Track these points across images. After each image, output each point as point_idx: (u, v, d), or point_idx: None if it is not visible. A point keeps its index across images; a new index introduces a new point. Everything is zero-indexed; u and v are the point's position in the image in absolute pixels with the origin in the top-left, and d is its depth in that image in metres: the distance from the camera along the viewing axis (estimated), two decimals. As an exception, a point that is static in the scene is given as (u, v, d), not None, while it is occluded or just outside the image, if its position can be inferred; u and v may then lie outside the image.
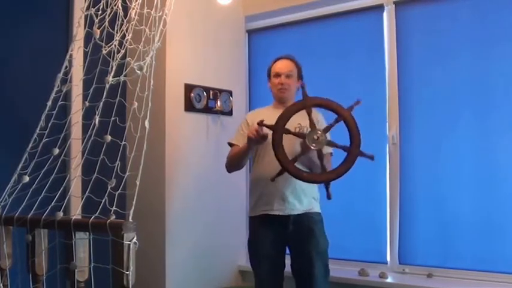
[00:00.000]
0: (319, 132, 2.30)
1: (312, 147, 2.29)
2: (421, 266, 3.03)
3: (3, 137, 2.61)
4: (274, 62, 2.75)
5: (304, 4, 3.44)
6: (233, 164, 2.73)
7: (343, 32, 3.44)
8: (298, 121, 2.49)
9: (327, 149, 2.51)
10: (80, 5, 2.52)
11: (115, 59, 1.90)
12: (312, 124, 2.32)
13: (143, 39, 1.93)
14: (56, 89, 1.99)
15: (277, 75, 2.70)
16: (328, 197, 2.38)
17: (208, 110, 3.38)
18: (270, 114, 2.65)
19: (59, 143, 1.90)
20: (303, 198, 2.60)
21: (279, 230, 2.59)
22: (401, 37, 3.18)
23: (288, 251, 2.67)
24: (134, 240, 1.48)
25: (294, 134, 2.37)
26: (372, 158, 2.29)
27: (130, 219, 1.49)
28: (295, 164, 2.33)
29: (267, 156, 2.56)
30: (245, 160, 2.73)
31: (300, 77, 2.75)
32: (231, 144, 2.78)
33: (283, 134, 2.31)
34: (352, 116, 2.29)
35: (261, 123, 2.39)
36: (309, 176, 2.39)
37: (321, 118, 2.61)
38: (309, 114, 2.32)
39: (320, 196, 2.67)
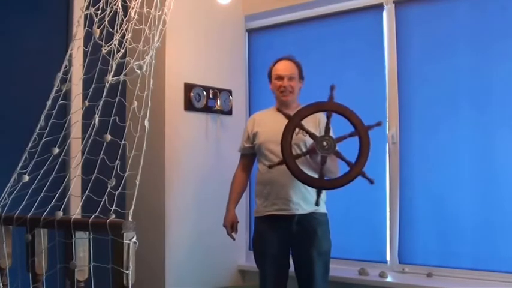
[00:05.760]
0: (331, 141, 2.29)
1: (319, 152, 2.29)
2: (421, 266, 3.03)
3: (3, 136, 2.61)
4: (275, 63, 2.71)
5: (304, 3, 3.44)
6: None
7: (343, 31, 3.44)
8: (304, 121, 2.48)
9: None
10: (79, 4, 2.53)
11: (115, 58, 1.90)
12: (327, 130, 2.31)
13: (143, 38, 1.93)
14: (55, 88, 1.99)
15: (280, 77, 2.65)
16: (316, 203, 2.40)
17: (208, 109, 3.37)
18: (272, 118, 2.65)
19: (58, 143, 1.90)
20: (308, 198, 2.57)
21: (283, 230, 2.59)
22: (401, 36, 3.18)
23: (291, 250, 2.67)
24: (134, 239, 1.48)
25: (308, 132, 2.33)
26: (371, 182, 2.29)
27: (130, 219, 1.49)
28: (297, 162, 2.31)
29: (272, 156, 2.58)
30: None
31: (301, 77, 2.71)
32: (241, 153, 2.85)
33: (296, 128, 2.30)
34: (368, 135, 2.28)
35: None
36: (306, 178, 2.33)
37: (323, 122, 2.57)
38: (328, 118, 2.31)
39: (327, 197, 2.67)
